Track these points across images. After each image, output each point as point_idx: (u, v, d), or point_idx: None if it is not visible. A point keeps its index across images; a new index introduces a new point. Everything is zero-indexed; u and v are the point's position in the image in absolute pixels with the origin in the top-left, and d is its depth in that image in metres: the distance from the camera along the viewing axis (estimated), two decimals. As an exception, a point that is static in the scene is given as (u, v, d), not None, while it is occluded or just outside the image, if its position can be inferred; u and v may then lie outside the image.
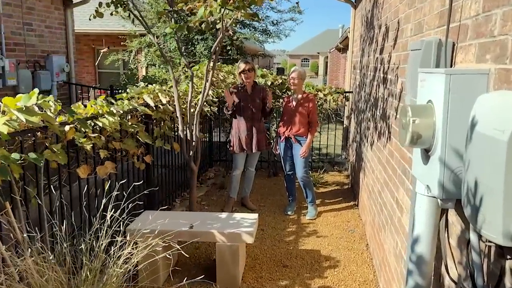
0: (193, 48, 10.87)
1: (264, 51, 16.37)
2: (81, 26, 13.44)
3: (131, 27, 9.59)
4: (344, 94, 6.56)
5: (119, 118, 3.33)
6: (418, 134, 1.41)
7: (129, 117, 3.66)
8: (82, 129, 2.83)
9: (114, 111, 3.29)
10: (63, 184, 2.87)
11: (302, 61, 48.40)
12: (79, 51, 14.38)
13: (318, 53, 38.55)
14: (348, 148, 6.80)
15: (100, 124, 3.10)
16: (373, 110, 4.14)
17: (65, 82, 7.29)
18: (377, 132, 3.78)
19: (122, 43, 11.86)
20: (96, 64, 13.81)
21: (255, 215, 3.47)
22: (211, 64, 3.94)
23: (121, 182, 3.05)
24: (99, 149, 3.20)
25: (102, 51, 12.25)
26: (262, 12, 12.93)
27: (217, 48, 3.82)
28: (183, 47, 10.56)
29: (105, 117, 3.19)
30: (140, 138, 3.63)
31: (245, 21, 12.65)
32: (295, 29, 59.45)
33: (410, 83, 1.94)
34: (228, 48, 10.72)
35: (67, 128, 2.79)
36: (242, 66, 4.63)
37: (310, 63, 47.61)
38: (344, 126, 7.35)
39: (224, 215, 3.48)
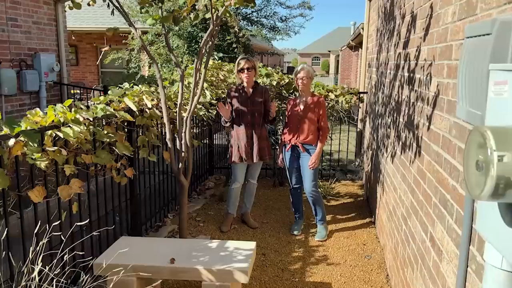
0: (197, 46, 10.29)
1: (273, 49, 15.72)
2: (82, 24, 12.98)
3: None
4: (358, 95, 5.90)
5: (88, 127, 2.77)
6: (508, 181, 0.79)
7: (105, 124, 3.10)
8: (31, 143, 2.26)
9: (81, 119, 2.72)
10: (11, 210, 2.32)
11: (312, 60, 47.63)
12: (81, 50, 13.97)
13: (329, 51, 37.75)
14: (362, 155, 6.15)
15: (61, 135, 2.53)
16: (394, 115, 3.51)
17: (55, 83, 6.77)
18: (400, 143, 3.14)
19: (124, 41, 11.35)
20: (98, 63, 13.33)
21: (252, 244, 2.87)
22: (204, 60, 3.35)
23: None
24: (63, 165, 2.64)
25: (103, 49, 11.75)
26: (270, 8, 12.33)
27: (209, 40, 3.23)
28: (185, 45, 9.98)
29: (69, 126, 2.62)
30: (116, 149, 3.06)
31: (252, 18, 12.03)
32: (304, 26, 58.43)
33: (467, 87, 1.31)
34: (234, 46, 10.12)
35: (11, 142, 2.23)
36: (241, 63, 4.03)
37: (321, 61, 46.82)
38: (358, 130, 6.69)
39: (214, 243, 2.88)
